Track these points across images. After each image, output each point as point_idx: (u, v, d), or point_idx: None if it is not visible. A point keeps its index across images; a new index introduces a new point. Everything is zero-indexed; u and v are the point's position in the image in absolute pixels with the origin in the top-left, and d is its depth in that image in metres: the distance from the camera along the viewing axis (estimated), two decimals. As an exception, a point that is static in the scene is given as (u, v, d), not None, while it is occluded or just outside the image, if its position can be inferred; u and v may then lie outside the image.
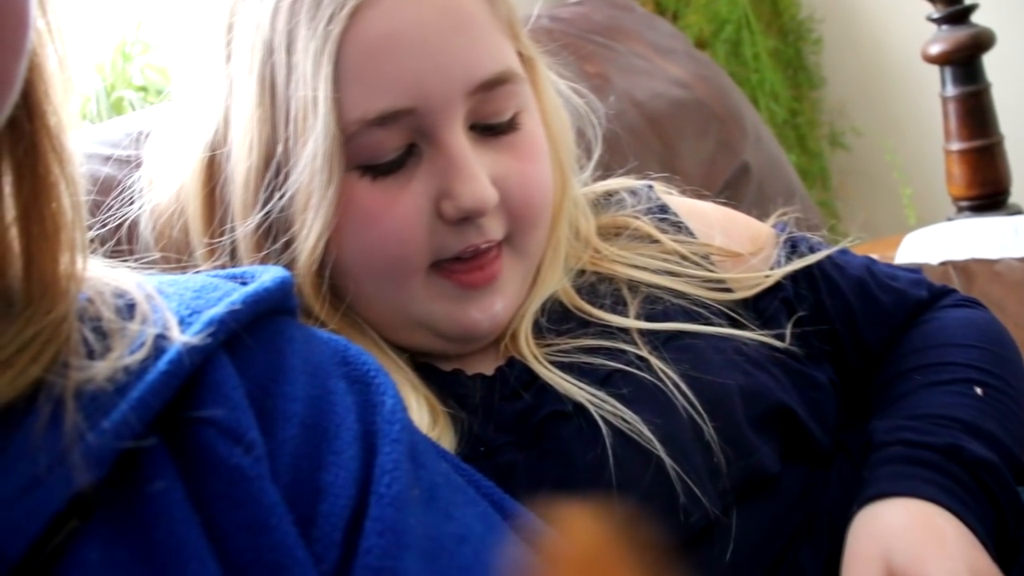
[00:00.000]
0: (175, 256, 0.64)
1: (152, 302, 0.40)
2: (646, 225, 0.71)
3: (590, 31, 1.14)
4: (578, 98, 0.75)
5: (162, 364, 0.37)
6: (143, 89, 1.40)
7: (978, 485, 0.59)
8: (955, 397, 0.65)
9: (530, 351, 0.63)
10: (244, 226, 0.60)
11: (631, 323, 0.64)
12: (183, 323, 0.40)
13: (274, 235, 0.59)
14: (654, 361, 0.61)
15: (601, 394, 0.59)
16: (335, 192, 0.57)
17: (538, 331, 0.65)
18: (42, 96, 0.38)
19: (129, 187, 0.68)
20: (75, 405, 0.34)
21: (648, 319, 0.64)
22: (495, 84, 0.60)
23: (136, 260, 0.61)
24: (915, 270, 0.78)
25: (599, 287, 0.68)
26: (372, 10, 0.57)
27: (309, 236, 0.58)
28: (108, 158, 0.74)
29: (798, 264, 0.71)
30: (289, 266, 0.59)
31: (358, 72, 0.57)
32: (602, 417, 0.58)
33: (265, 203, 0.59)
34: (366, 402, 0.42)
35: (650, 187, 0.76)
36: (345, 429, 0.40)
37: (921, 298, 0.74)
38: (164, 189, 0.65)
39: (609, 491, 0.57)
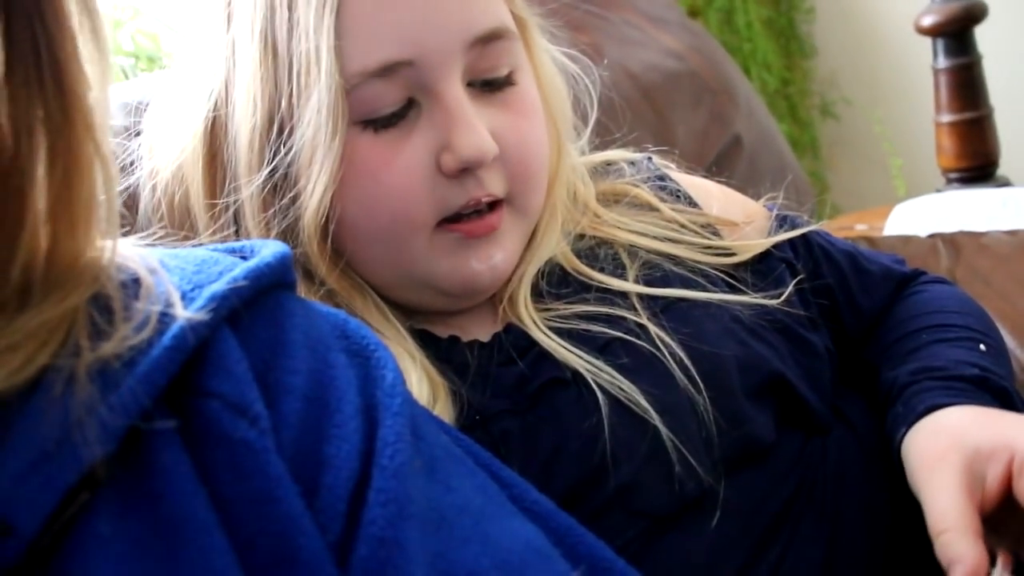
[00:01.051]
0: (175, 226, 0.64)
1: (155, 276, 0.41)
2: (645, 193, 0.72)
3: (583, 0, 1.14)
4: (573, 64, 0.75)
5: (167, 340, 0.37)
6: (134, 55, 1.39)
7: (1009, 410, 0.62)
8: (966, 351, 0.68)
9: (529, 316, 0.64)
10: (250, 185, 0.61)
11: (630, 287, 0.65)
12: (185, 298, 0.40)
13: (280, 194, 0.60)
14: (653, 329, 0.62)
15: (599, 363, 0.60)
16: (339, 145, 0.58)
17: (537, 295, 0.66)
18: (73, 64, 0.35)
19: (127, 156, 0.68)
20: (85, 381, 0.34)
21: (647, 284, 0.66)
22: (490, 39, 0.62)
23: (135, 232, 0.62)
24: (892, 256, 0.83)
25: (598, 251, 0.69)
26: None
27: (315, 191, 0.59)
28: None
29: (796, 232, 0.73)
30: (293, 225, 0.60)
31: (359, 24, 0.58)
32: (599, 386, 0.59)
33: (271, 161, 0.60)
34: (367, 376, 0.43)
35: (649, 159, 0.77)
36: (347, 402, 0.41)
37: (905, 272, 0.79)
38: (165, 155, 0.65)
39: (604, 460, 0.58)
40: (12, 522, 0.31)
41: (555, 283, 0.66)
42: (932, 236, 1.12)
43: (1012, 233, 1.10)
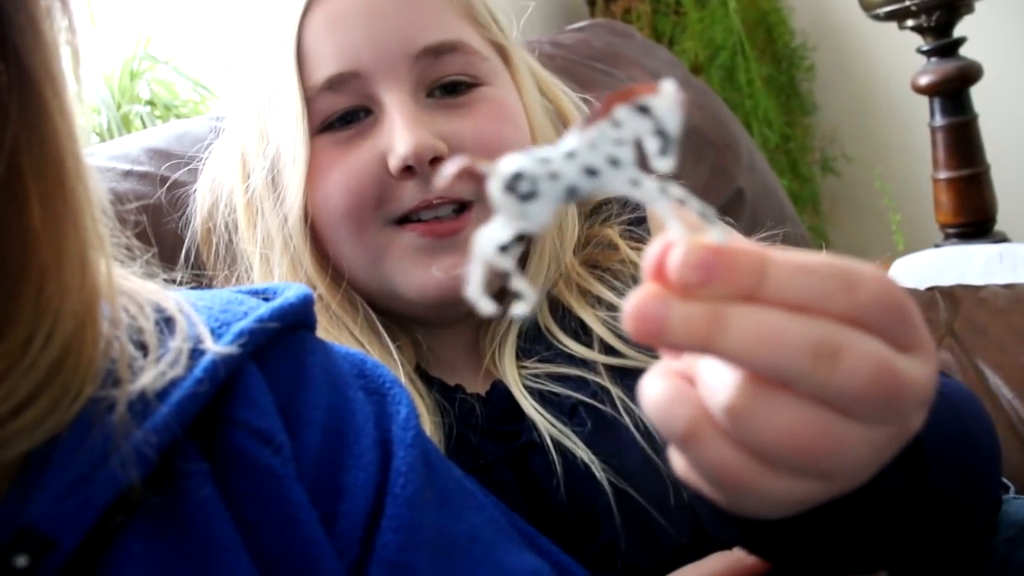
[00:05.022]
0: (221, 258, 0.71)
1: (186, 316, 0.43)
2: (613, 235, 0.73)
3: (590, 58, 1.18)
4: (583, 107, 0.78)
5: (198, 371, 0.40)
6: (150, 103, 1.43)
7: None
8: None
9: (512, 375, 0.66)
10: (257, 175, 0.69)
11: (593, 356, 0.66)
12: (214, 334, 0.42)
13: (275, 192, 0.68)
14: (616, 392, 0.64)
15: (566, 430, 0.63)
16: (305, 148, 0.65)
17: (516, 353, 0.68)
18: (55, 111, 0.35)
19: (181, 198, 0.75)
20: (124, 410, 0.36)
21: (608, 353, 0.66)
22: (441, 51, 0.67)
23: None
24: None
25: (565, 315, 0.69)
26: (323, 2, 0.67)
27: (290, 189, 0.66)
28: (127, 173, 0.77)
29: None
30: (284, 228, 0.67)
31: (312, 46, 0.66)
32: (563, 452, 0.62)
33: (263, 167, 0.68)
34: (382, 411, 0.45)
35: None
36: (364, 435, 0.43)
37: None
38: (217, 188, 0.74)
39: (563, 513, 0.61)
40: (54, 537, 0.34)
41: (530, 339, 0.68)
42: (931, 289, 1.14)
43: (1009, 287, 1.12)
